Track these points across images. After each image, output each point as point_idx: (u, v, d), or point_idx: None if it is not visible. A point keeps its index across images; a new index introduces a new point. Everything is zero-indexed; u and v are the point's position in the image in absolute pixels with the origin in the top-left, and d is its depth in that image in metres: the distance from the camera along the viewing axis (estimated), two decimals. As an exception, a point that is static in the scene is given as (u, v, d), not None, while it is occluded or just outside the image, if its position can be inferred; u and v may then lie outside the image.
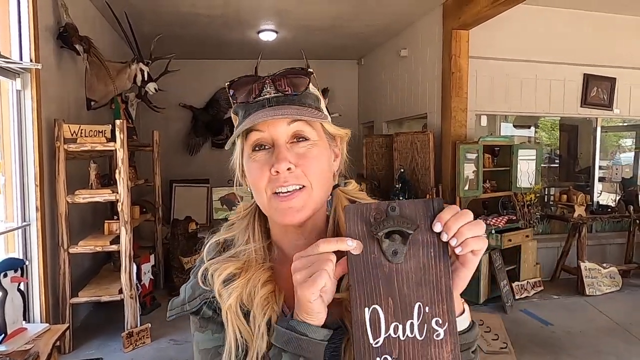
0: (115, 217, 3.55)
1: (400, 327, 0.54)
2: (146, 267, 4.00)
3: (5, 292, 1.99)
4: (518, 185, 4.45)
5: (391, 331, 0.54)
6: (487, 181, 4.49)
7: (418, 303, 0.54)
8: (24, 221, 2.96)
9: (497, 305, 4.04)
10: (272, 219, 0.69)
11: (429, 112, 4.94)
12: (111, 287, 3.47)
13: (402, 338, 0.54)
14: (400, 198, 4.52)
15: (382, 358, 0.53)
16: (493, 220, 4.27)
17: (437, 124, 4.72)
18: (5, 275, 1.99)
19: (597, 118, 5.22)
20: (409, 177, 4.71)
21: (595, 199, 5.38)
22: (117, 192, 3.29)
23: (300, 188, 0.63)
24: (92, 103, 4.03)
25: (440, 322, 0.54)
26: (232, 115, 0.71)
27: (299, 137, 0.64)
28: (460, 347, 0.57)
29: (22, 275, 2.10)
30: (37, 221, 2.99)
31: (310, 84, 0.67)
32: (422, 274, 0.55)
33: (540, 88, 4.81)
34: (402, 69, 5.61)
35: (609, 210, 5.04)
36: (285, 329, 0.58)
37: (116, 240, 3.37)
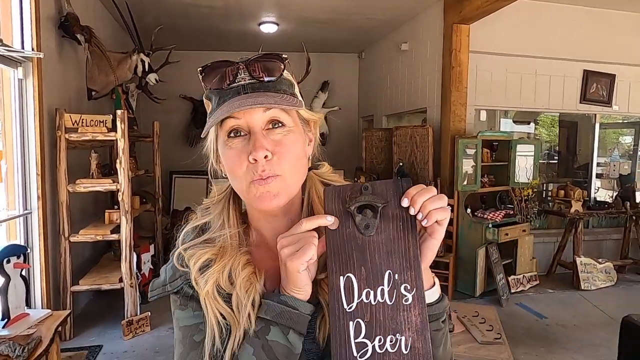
0: (116, 207, 3.57)
1: (372, 293, 0.58)
2: (146, 257, 4.03)
3: (8, 278, 2.02)
4: (516, 180, 4.48)
5: (363, 297, 0.58)
6: (486, 176, 4.52)
7: (388, 271, 0.58)
8: (26, 209, 2.98)
9: (493, 299, 4.08)
10: (250, 205, 0.70)
11: (428, 106, 4.96)
12: (111, 275, 3.50)
13: (373, 303, 0.58)
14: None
15: (355, 322, 0.57)
16: (490, 215, 4.30)
17: (436, 118, 4.73)
18: (8, 262, 2.02)
19: (595, 114, 5.24)
20: (408, 170, 4.74)
21: (592, 195, 5.41)
22: (118, 182, 3.32)
23: (276, 176, 0.63)
24: (93, 93, 4.04)
25: (409, 287, 0.58)
26: (205, 100, 0.69)
27: (274, 123, 0.64)
28: (431, 316, 0.62)
29: (24, 261, 2.13)
30: (38, 209, 3.01)
31: (285, 69, 0.66)
32: (392, 245, 0.59)
33: (540, 83, 4.83)
34: (403, 63, 5.61)
35: (606, 206, 5.08)
36: (277, 303, 0.61)
37: (116, 229, 3.40)
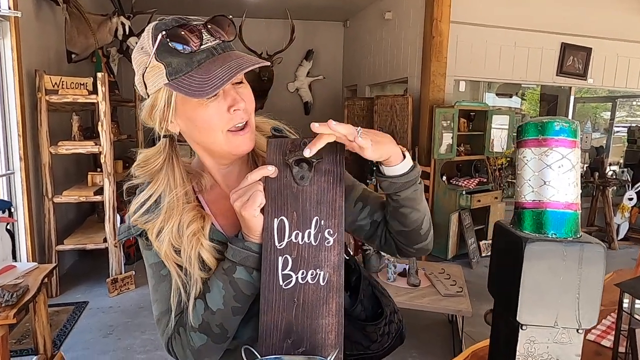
0: (99, 170, 3.63)
1: (300, 234, 0.69)
2: (130, 220, 4.12)
3: (-6, 231, 2.11)
4: (491, 150, 4.64)
5: (293, 237, 0.69)
6: (462, 145, 4.67)
7: (316, 217, 0.69)
8: (8, 169, 3.03)
9: (464, 262, 4.30)
10: (225, 152, 0.77)
11: (409, 76, 5.03)
12: (96, 236, 3.60)
13: (300, 243, 0.69)
14: (378, 159, 4.69)
15: (284, 257, 0.69)
16: (464, 182, 4.47)
17: (416, 88, 4.82)
18: (-6, 215, 2.10)
19: (571, 87, 5.38)
20: (388, 139, 4.85)
21: (564, 166, 5.63)
22: (100, 145, 3.37)
23: (247, 122, 0.74)
24: (73, 56, 4.01)
25: (331, 232, 0.69)
26: (154, 62, 0.69)
27: (236, 81, 0.73)
28: (409, 182, 0.73)
29: (9, 216, 2.21)
30: (21, 170, 3.07)
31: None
32: (321, 195, 0.69)
33: (519, 55, 4.92)
34: (386, 33, 5.64)
35: (575, 175, 5.30)
36: (242, 249, 0.71)
37: (100, 191, 3.47)
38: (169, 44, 0.67)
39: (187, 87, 0.66)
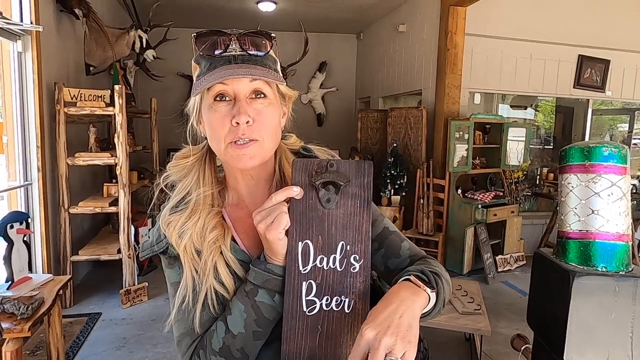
0: (114, 181, 3.66)
1: (325, 259, 0.67)
2: (144, 231, 4.13)
3: (12, 243, 2.12)
4: (507, 163, 4.57)
5: (317, 262, 0.67)
6: (477, 158, 4.61)
7: (342, 242, 0.67)
8: (26, 180, 3.07)
9: (480, 277, 4.21)
10: (227, 163, 0.77)
11: (423, 88, 5.01)
12: (110, 247, 3.61)
13: (325, 268, 0.67)
14: (392, 172, 4.65)
15: (308, 282, 0.66)
16: (480, 196, 4.40)
17: (431, 101, 4.79)
18: (12, 227, 2.11)
19: (589, 99, 5.29)
20: (402, 151, 4.82)
21: (582, 179, 5.51)
22: (116, 156, 3.39)
23: (254, 140, 0.70)
24: (91, 68, 4.07)
25: (358, 258, 0.66)
26: (193, 64, 0.75)
27: (257, 94, 0.71)
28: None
29: (26, 228, 2.22)
30: (38, 181, 3.10)
31: (272, 47, 0.73)
32: (348, 219, 0.67)
33: (535, 68, 4.87)
34: (400, 45, 5.63)
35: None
36: (264, 271, 0.69)
37: (115, 202, 3.49)
38: (195, 44, 0.71)
39: (195, 87, 0.71)
